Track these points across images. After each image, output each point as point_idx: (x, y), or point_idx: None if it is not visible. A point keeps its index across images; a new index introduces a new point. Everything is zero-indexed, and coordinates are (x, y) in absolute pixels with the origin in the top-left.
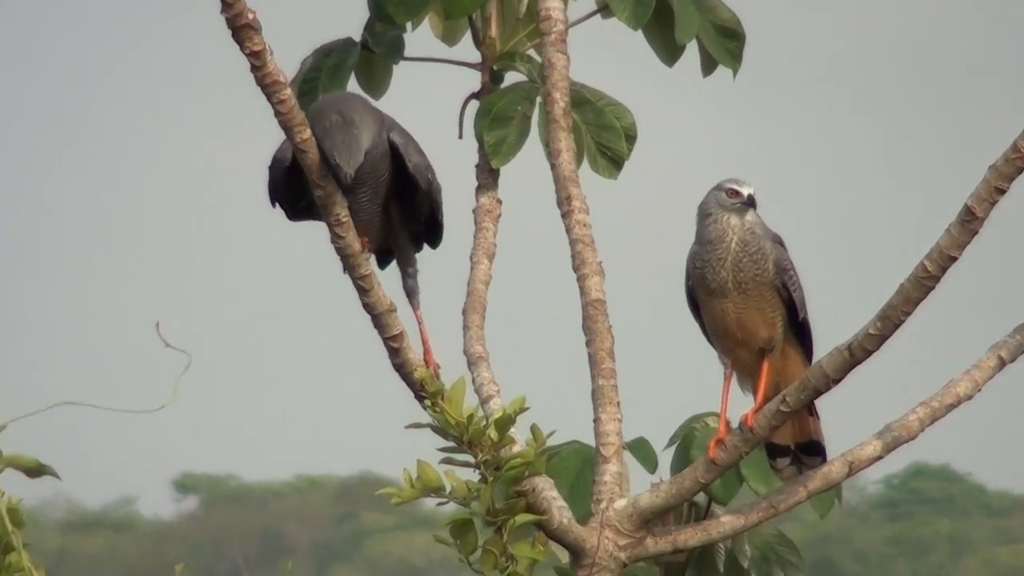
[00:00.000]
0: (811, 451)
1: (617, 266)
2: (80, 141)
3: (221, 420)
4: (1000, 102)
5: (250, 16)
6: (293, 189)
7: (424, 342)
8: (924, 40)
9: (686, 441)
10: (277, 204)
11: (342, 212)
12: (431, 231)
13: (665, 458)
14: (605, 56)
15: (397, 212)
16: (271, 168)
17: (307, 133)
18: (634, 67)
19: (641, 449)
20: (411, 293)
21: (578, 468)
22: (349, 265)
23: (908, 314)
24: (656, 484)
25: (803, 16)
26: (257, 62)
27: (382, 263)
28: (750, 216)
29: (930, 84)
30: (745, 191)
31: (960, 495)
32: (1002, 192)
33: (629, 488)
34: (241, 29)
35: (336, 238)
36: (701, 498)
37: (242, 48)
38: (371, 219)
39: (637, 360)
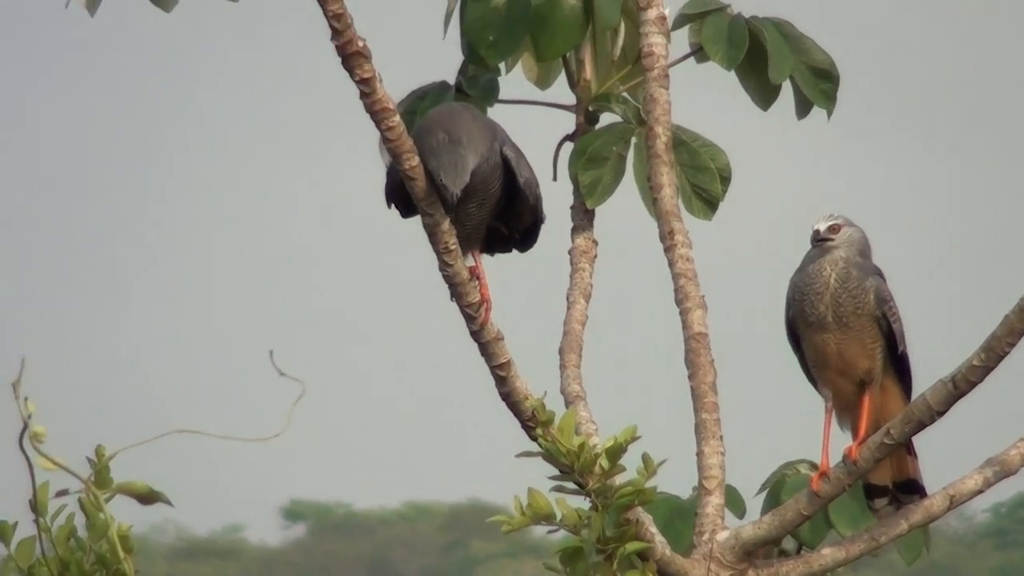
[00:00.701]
0: (909, 490)
1: (717, 301)
2: (192, 165)
3: (330, 447)
4: None
5: (360, 44)
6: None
7: (479, 276)
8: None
9: (776, 488)
10: (393, 205)
11: (451, 240)
12: (526, 238)
13: (753, 504)
14: (701, 97)
15: (502, 223)
16: (389, 172)
17: (415, 160)
18: (729, 108)
19: (730, 495)
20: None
21: (666, 517)
22: (457, 293)
23: (1013, 345)
24: (758, 519)
25: (900, 57)
26: (367, 89)
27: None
28: (842, 252)
29: None
30: (815, 227)
31: None
32: None
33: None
34: (352, 56)
35: (444, 266)
36: (790, 544)
37: (352, 75)
38: (476, 228)
39: (736, 396)
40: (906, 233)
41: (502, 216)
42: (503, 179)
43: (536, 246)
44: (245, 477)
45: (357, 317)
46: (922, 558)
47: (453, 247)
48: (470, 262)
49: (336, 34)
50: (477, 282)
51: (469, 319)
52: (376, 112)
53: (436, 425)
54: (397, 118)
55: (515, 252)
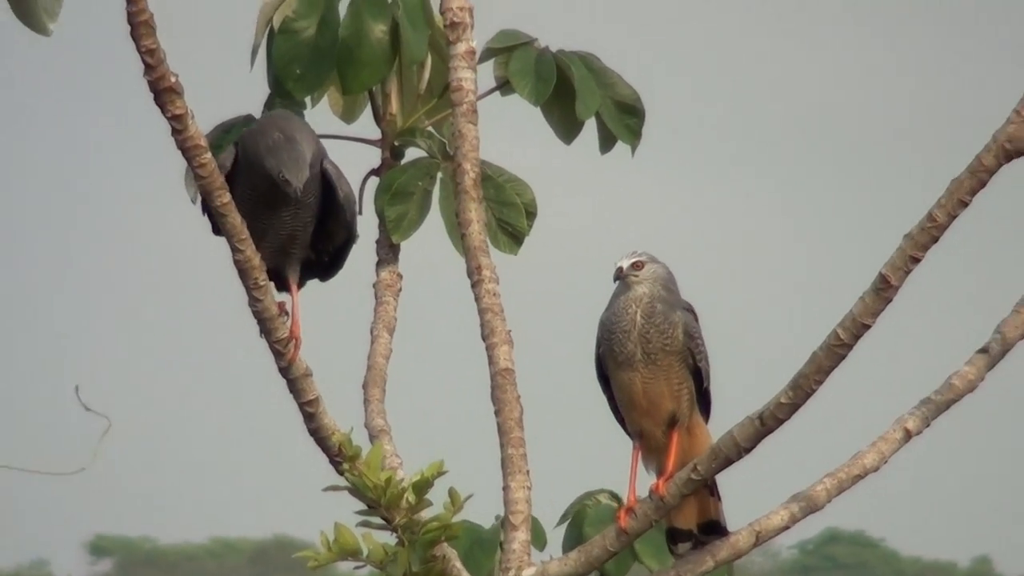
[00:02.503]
0: (712, 531)
1: (523, 337)
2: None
3: (135, 482)
4: (918, 170)
5: (172, 80)
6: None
7: (293, 312)
8: (838, 105)
9: (578, 518)
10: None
11: (260, 276)
12: (334, 262)
13: (554, 536)
14: (506, 130)
15: (309, 236)
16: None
17: (227, 197)
18: (534, 141)
19: (531, 527)
20: (292, 271)
21: (467, 547)
22: (266, 329)
23: (820, 383)
24: (563, 555)
25: (703, 87)
26: (179, 125)
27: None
28: (646, 288)
29: (844, 150)
30: (618, 264)
31: (874, 560)
32: (916, 261)
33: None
34: (164, 92)
35: (254, 301)
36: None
37: (164, 111)
38: (290, 237)
39: (542, 431)
40: (714, 263)
41: (314, 235)
42: (319, 193)
43: (340, 280)
44: (50, 512)
45: (164, 350)
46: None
47: (263, 283)
48: (283, 298)
49: (149, 69)
50: (287, 318)
51: (277, 355)
52: (188, 149)
53: (243, 460)
54: (208, 155)
55: (319, 284)
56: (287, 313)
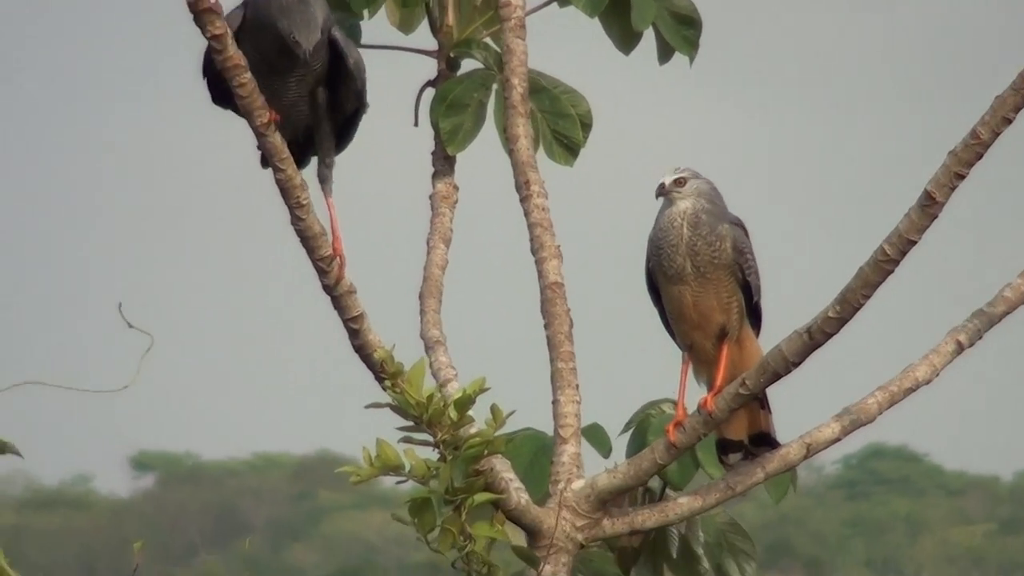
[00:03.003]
0: (763, 444)
1: (575, 251)
2: (39, 120)
3: (178, 399)
4: (964, 91)
5: (212, 1)
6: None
7: (333, 229)
8: (886, 31)
9: (642, 427)
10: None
11: (303, 195)
12: (344, 132)
13: (619, 444)
14: (562, 43)
15: (325, 102)
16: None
17: (267, 116)
18: (591, 55)
19: (595, 434)
20: (324, 180)
21: (532, 454)
22: (309, 247)
23: (867, 297)
24: (614, 467)
25: (765, 4)
26: (219, 45)
27: (301, 161)
28: (690, 202)
29: (889, 74)
30: (661, 179)
31: (917, 475)
32: (961, 177)
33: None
34: (203, 13)
35: (297, 220)
36: (655, 483)
37: (203, 32)
38: (293, 104)
39: (593, 344)
40: (765, 182)
41: (327, 98)
42: (327, 61)
43: (398, 192)
44: (94, 429)
45: (207, 266)
46: (770, 504)
47: (305, 202)
48: (320, 217)
49: None
50: (331, 236)
51: (322, 273)
52: (228, 69)
53: (287, 377)
54: (248, 75)
55: (373, 195)
56: (277, 126)
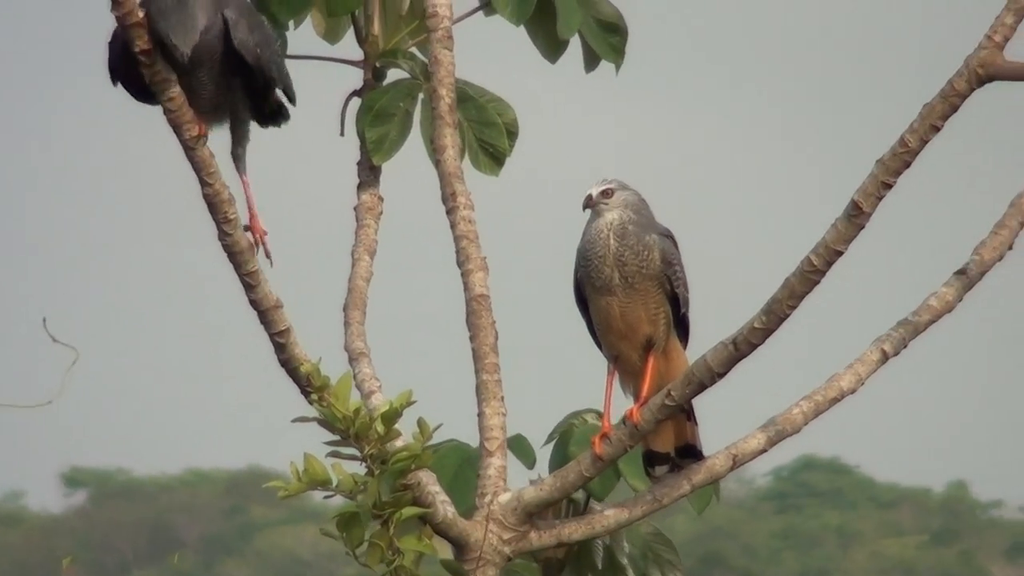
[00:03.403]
0: (689, 455)
1: (500, 262)
2: None
3: (109, 414)
4: (894, 96)
5: (140, 15)
6: (135, 69)
7: (250, 206)
8: (814, 30)
9: (565, 437)
10: (119, 83)
11: (230, 210)
12: (276, 111)
13: (543, 454)
14: (488, 52)
15: (240, 88)
16: (110, 44)
17: (196, 130)
18: (517, 63)
19: (519, 445)
20: (238, 159)
21: (457, 466)
22: (236, 262)
23: (793, 308)
24: (539, 479)
25: (685, 6)
26: (147, 60)
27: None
28: (616, 213)
29: (819, 77)
30: (588, 191)
31: (849, 487)
32: (888, 187)
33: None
34: (132, 27)
35: (224, 235)
36: (579, 494)
37: (132, 46)
38: (211, 97)
39: (518, 355)
40: (692, 190)
41: (240, 82)
42: (224, 44)
43: (321, 199)
44: (25, 445)
45: (134, 281)
46: (701, 516)
47: (232, 216)
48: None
49: (116, 5)
50: (258, 249)
51: (248, 288)
52: (157, 83)
53: (218, 392)
54: (177, 89)
55: (296, 206)
56: (205, 134)
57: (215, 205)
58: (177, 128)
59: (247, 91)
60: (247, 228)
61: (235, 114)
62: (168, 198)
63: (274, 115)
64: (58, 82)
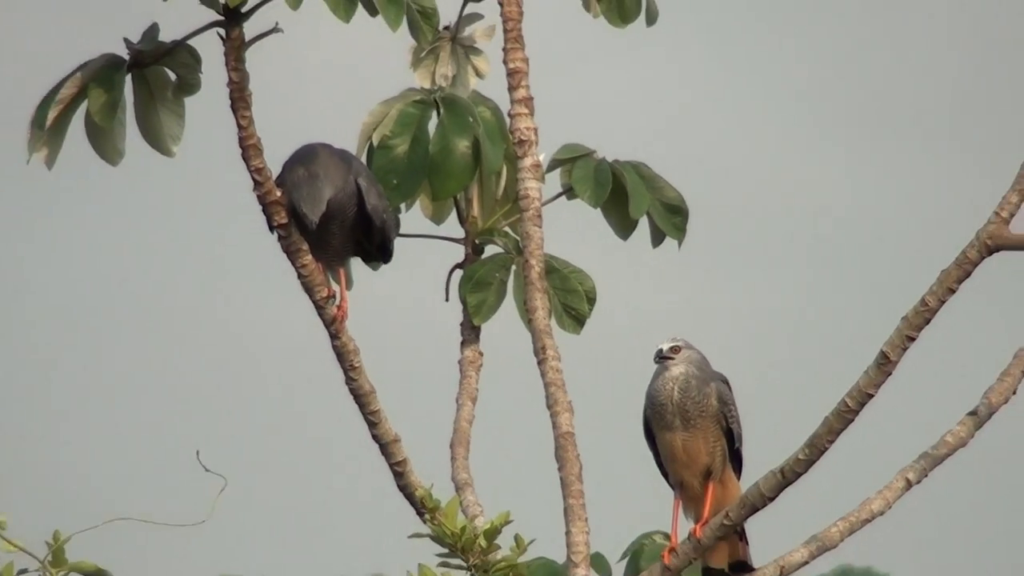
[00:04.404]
0: (741, 570)
1: (584, 406)
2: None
3: (258, 530)
4: (914, 263)
5: (278, 194)
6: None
7: (341, 290)
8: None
9: (636, 555)
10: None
11: (355, 359)
12: (381, 253)
13: (617, 570)
14: (570, 230)
15: (356, 238)
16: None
17: (325, 292)
18: (596, 240)
19: (598, 562)
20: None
21: None
22: (361, 403)
23: (832, 442)
24: None
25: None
26: (284, 232)
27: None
28: (682, 368)
29: (853, 242)
30: (659, 346)
31: None
32: (912, 339)
33: None
34: (271, 205)
35: (350, 380)
36: None
37: (270, 222)
38: (339, 248)
39: (597, 484)
40: (740, 347)
41: (362, 236)
42: (357, 205)
43: (432, 358)
44: (176, 559)
45: (275, 414)
46: None
47: (358, 364)
48: (335, 286)
49: (257, 185)
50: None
51: (371, 424)
52: (291, 253)
53: (346, 511)
54: (309, 257)
55: (411, 363)
56: (340, 295)
57: (343, 355)
58: (309, 290)
59: (362, 240)
60: (337, 304)
61: (348, 256)
62: (303, 349)
63: (374, 255)
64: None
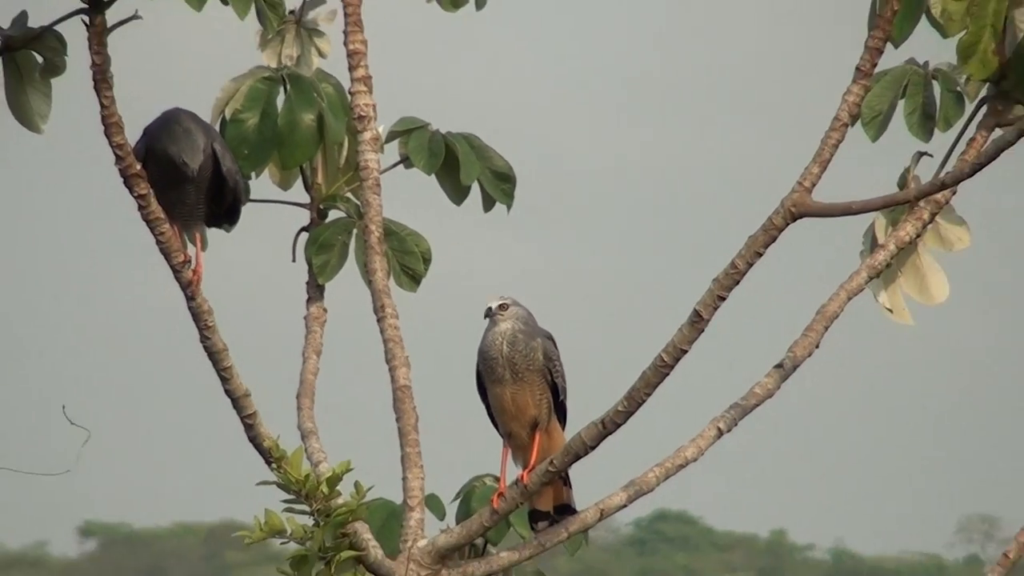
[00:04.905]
0: (565, 512)
1: (419, 360)
2: None
3: (117, 478)
4: (725, 222)
5: (138, 167)
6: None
7: (197, 254)
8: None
9: (468, 496)
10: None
11: (210, 319)
12: (230, 215)
13: (450, 509)
14: (407, 196)
15: (207, 200)
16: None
17: (182, 257)
18: (430, 204)
19: (433, 503)
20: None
21: (384, 518)
22: (215, 360)
23: (649, 395)
24: (448, 528)
25: (568, 154)
26: (143, 203)
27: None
28: (509, 324)
29: (667, 206)
30: (489, 304)
31: (694, 535)
32: (723, 299)
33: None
34: (131, 177)
35: (205, 339)
36: (479, 542)
37: (132, 192)
38: (192, 208)
39: (432, 431)
40: (570, 301)
41: (212, 199)
42: (212, 168)
43: (279, 315)
44: (47, 503)
45: (134, 369)
46: (578, 557)
47: (211, 323)
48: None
49: (119, 159)
50: (194, 259)
51: (224, 380)
52: (150, 221)
53: (199, 460)
54: (167, 226)
55: (264, 311)
56: (196, 259)
57: (197, 315)
58: (167, 255)
59: (211, 203)
60: (193, 268)
61: (199, 220)
62: (159, 307)
63: (222, 219)
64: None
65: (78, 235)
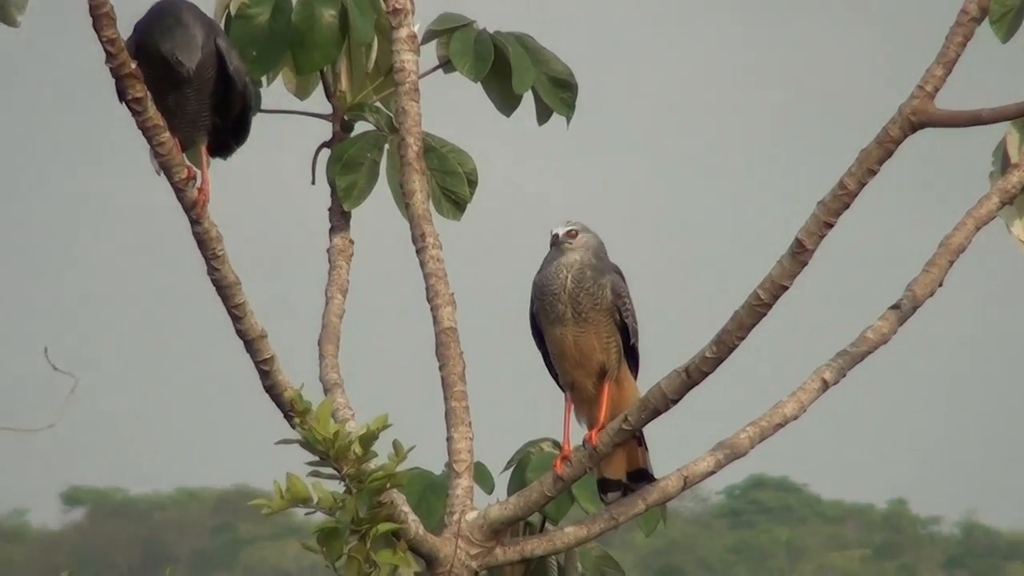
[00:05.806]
0: (640, 479)
1: (466, 298)
2: None
3: (107, 437)
4: (836, 142)
5: (132, 66)
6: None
7: (203, 171)
8: (757, 82)
9: (522, 464)
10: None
11: (218, 247)
12: (238, 130)
13: (500, 480)
14: (448, 106)
15: (212, 107)
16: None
17: (184, 173)
18: (476, 116)
19: (479, 472)
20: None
21: (421, 491)
22: (225, 295)
23: (742, 338)
24: (503, 499)
25: (634, 62)
26: (139, 107)
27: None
28: (578, 255)
29: (761, 125)
30: (554, 231)
31: (797, 504)
32: (830, 226)
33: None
34: (125, 78)
35: (213, 270)
36: (535, 518)
37: (125, 95)
38: (194, 117)
39: (482, 386)
40: (644, 231)
41: (217, 107)
42: (216, 68)
43: (298, 246)
44: (27, 465)
45: (128, 314)
46: (660, 532)
47: (220, 253)
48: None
49: (110, 57)
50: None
51: (236, 319)
52: (148, 129)
53: (206, 415)
54: (167, 135)
55: (279, 249)
56: (202, 176)
57: (204, 243)
58: (167, 171)
59: (218, 111)
60: (198, 187)
61: (203, 132)
62: (162, 234)
63: (227, 145)
64: (55, 123)
65: (60, 144)
